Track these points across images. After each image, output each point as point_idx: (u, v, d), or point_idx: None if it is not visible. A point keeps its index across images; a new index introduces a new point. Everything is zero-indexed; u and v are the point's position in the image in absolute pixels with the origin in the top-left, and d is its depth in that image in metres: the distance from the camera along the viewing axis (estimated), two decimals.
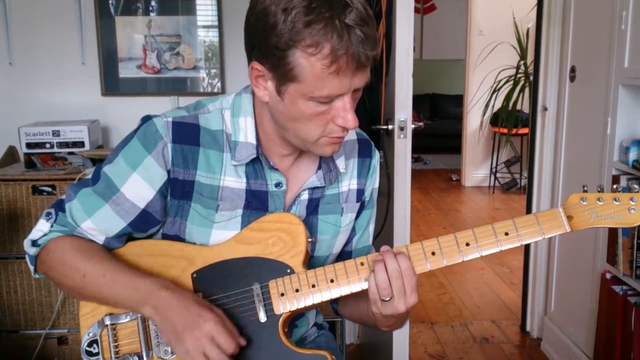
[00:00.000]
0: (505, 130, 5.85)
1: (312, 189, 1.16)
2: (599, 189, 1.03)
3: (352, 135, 1.23)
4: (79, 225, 1.10)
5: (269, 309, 1.08)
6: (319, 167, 1.16)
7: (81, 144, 2.54)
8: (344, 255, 1.25)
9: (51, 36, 2.81)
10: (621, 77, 2.17)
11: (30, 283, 2.46)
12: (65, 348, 2.53)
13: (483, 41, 6.06)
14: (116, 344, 1.12)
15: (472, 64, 6.29)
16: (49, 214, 1.13)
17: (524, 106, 5.52)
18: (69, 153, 2.53)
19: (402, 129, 2.25)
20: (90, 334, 1.12)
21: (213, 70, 2.90)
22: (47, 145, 2.52)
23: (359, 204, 1.23)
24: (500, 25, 6.02)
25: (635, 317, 2.07)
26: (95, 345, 1.12)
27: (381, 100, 2.37)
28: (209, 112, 1.12)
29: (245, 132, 1.10)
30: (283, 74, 0.97)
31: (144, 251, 1.14)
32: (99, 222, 1.10)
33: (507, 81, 5.63)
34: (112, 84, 2.86)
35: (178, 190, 1.09)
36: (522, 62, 5.64)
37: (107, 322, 1.11)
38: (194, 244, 1.12)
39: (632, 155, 2.12)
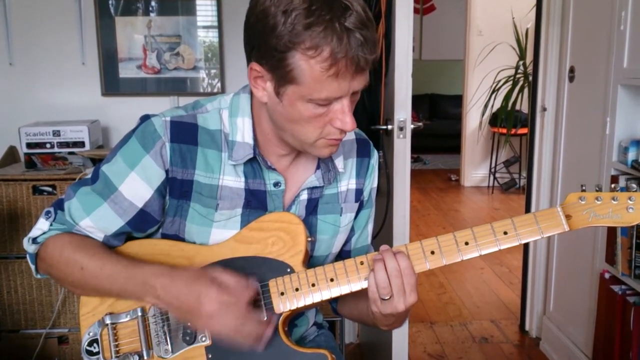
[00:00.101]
0: (504, 131, 5.86)
1: (311, 189, 1.16)
2: (597, 189, 1.04)
3: (350, 135, 1.23)
4: (78, 223, 1.11)
5: (268, 308, 1.08)
6: (318, 167, 1.17)
7: (81, 144, 2.54)
8: (343, 254, 1.26)
9: (51, 36, 2.81)
10: (620, 77, 2.18)
11: (30, 283, 2.47)
12: (66, 348, 2.54)
13: (482, 41, 6.07)
14: (116, 343, 1.12)
15: (472, 64, 6.30)
16: (48, 212, 1.13)
17: (523, 106, 5.53)
18: (69, 153, 2.54)
19: (401, 129, 2.25)
20: (91, 334, 1.13)
21: (213, 71, 2.90)
22: (48, 145, 2.52)
23: (357, 204, 1.24)
24: (499, 26, 6.03)
25: (634, 317, 2.08)
26: (95, 345, 1.12)
27: (380, 100, 2.37)
28: (207, 112, 1.12)
29: (243, 132, 1.10)
30: (282, 76, 0.97)
31: (144, 251, 1.14)
32: (97, 220, 1.10)
33: (506, 81, 5.64)
34: (112, 84, 2.87)
35: (177, 190, 1.10)
36: (521, 63, 5.64)
37: (108, 321, 1.12)
38: (194, 243, 1.12)
39: (631, 155, 2.13)
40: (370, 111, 2.39)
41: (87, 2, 2.79)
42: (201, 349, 1.09)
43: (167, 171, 1.08)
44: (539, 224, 1.03)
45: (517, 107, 5.61)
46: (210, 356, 1.09)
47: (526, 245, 3.09)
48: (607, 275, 2.25)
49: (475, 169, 6.70)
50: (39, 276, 1.17)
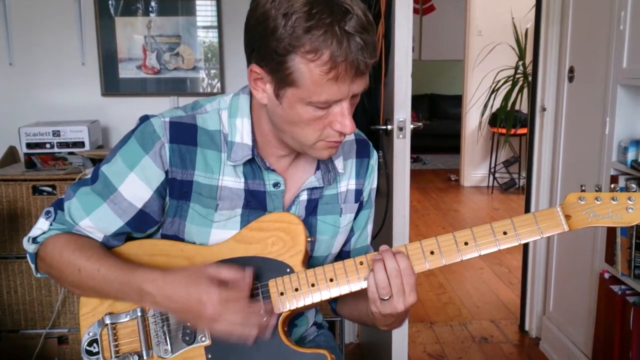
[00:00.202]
0: (504, 131, 5.86)
1: (311, 190, 1.16)
2: (597, 189, 1.04)
3: (350, 136, 1.23)
4: (77, 223, 1.11)
5: (268, 308, 1.08)
6: (318, 168, 1.17)
7: (81, 144, 2.54)
8: (343, 255, 1.26)
9: (51, 37, 2.82)
10: (620, 77, 2.18)
11: (30, 283, 2.47)
12: (66, 348, 2.54)
13: (482, 42, 6.07)
14: (116, 343, 1.12)
15: (471, 64, 6.30)
16: (48, 212, 1.13)
17: (523, 106, 5.53)
18: (69, 153, 2.54)
19: (401, 129, 2.26)
20: (90, 334, 1.13)
21: (213, 71, 2.90)
22: (47, 146, 2.52)
23: (357, 204, 1.24)
24: (499, 26, 6.03)
25: (633, 317, 2.08)
26: (95, 345, 1.13)
27: (380, 100, 2.37)
28: (207, 112, 1.12)
29: (242, 132, 1.10)
30: (282, 79, 0.97)
31: (144, 251, 1.14)
32: (97, 220, 1.10)
33: (506, 81, 5.64)
34: (112, 84, 2.87)
35: (176, 190, 1.10)
36: (520, 63, 5.64)
37: (107, 321, 1.12)
38: (194, 243, 1.13)
39: (631, 155, 2.13)
40: (370, 111, 2.39)
41: (87, 3, 2.80)
42: (201, 349, 1.09)
43: (166, 172, 1.08)
44: (539, 224, 1.03)
45: (517, 107, 5.62)
46: (209, 356, 1.09)
47: (526, 246, 3.09)
48: (606, 275, 2.25)
49: (474, 169, 6.70)
50: (38, 275, 1.18)
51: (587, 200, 1.03)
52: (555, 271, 2.85)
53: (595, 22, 2.43)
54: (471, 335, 3.13)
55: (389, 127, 2.30)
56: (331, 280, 1.07)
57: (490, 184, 6.43)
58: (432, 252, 1.05)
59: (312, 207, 1.17)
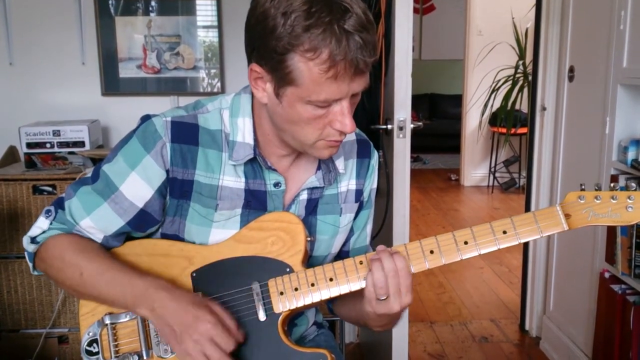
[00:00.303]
0: (504, 130, 5.86)
1: (311, 189, 1.16)
2: (597, 188, 1.04)
3: (351, 136, 1.23)
4: (78, 223, 1.11)
5: (268, 308, 1.08)
6: (319, 168, 1.17)
7: (81, 144, 2.54)
8: (342, 254, 1.26)
9: (51, 36, 2.82)
10: (620, 77, 2.18)
11: (30, 282, 2.47)
12: (66, 347, 2.54)
13: (482, 41, 6.07)
14: (116, 343, 1.12)
15: (471, 64, 6.30)
16: (48, 211, 1.13)
17: (523, 106, 5.53)
18: (69, 153, 2.54)
19: (401, 128, 2.26)
20: (90, 334, 1.13)
21: (213, 71, 2.90)
22: (48, 145, 2.52)
23: (357, 204, 1.24)
24: (499, 26, 6.03)
25: (634, 316, 2.08)
26: (95, 345, 1.12)
27: (380, 100, 2.38)
28: (208, 112, 1.12)
29: (243, 132, 1.10)
30: (281, 77, 0.97)
31: (143, 250, 1.14)
32: (97, 220, 1.10)
33: (506, 81, 5.64)
34: (112, 84, 2.87)
35: (177, 190, 1.10)
36: (520, 62, 5.64)
37: (107, 321, 1.12)
38: (193, 243, 1.13)
39: (631, 155, 2.13)
40: (370, 111, 2.39)
41: (87, 2, 2.80)
42: None
43: (167, 171, 1.08)
44: (538, 223, 1.03)
45: (517, 106, 5.62)
46: None
47: (526, 245, 3.09)
48: (607, 275, 2.25)
49: (475, 169, 6.70)
50: (35, 273, 1.17)
51: (586, 199, 1.03)
52: (556, 270, 2.85)
53: (595, 21, 2.43)
54: (471, 334, 3.13)
55: (389, 126, 2.30)
56: (331, 279, 1.07)
57: (491, 184, 6.43)
58: (431, 252, 1.05)
59: (312, 207, 1.17)
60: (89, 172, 1.16)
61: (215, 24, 2.87)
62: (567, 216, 1.03)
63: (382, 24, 2.27)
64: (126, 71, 2.86)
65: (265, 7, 0.95)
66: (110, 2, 2.80)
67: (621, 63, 2.16)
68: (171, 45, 2.86)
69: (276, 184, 1.13)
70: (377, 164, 1.27)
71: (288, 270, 1.09)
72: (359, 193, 1.23)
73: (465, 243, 1.04)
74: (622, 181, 2.16)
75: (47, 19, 2.80)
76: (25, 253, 1.16)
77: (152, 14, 2.83)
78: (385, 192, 2.33)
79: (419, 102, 8.29)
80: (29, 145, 2.51)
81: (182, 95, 2.89)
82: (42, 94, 2.85)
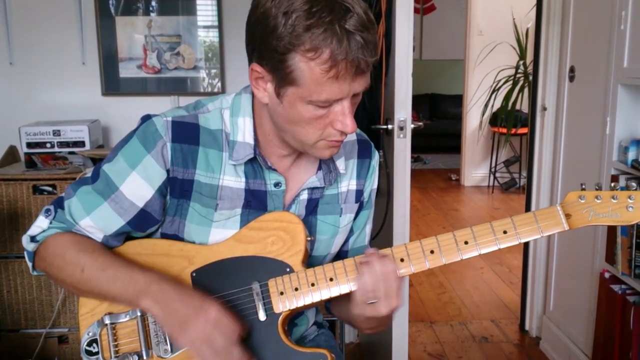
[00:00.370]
0: (504, 130, 5.86)
1: (312, 189, 1.16)
2: (597, 187, 1.04)
3: (351, 136, 1.23)
4: (78, 222, 1.11)
5: (268, 308, 1.08)
6: (319, 168, 1.16)
7: (81, 144, 2.54)
8: (341, 254, 1.26)
9: (51, 36, 2.82)
10: (620, 77, 2.18)
11: (30, 282, 2.47)
12: (66, 347, 2.54)
13: (482, 41, 6.07)
14: (116, 343, 1.12)
15: (472, 64, 6.30)
16: (48, 210, 1.13)
17: (523, 106, 5.53)
18: (70, 153, 2.54)
19: (401, 128, 2.26)
20: (90, 334, 1.13)
21: (213, 70, 2.90)
22: (48, 145, 2.52)
23: (357, 205, 1.24)
24: (499, 25, 6.03)
25: (634, 316, 2.08)
26: (94, 345, 1.12)
27: (381, 100, 2.38)
28: (209, 112, 1.12)
29: (244, 132, 1.10)
30: (282, 77, 0.97)
31: (143, 250, 1.14)
32: (97, 220, 1.10)
33: (507, 81, 5.64)
34: (112, 84, 2.87)
35: (177, 190, 1.10)
36: (521, 62, 5.64)
37: (107, 321, 1.12)
38: (193, 243, 1.12)
39: (631, 155, 2.13)
40: (371, 111, 2.39)
41: (88, 2, 2.80)
42: None
43: (168, 171, 1.08)
44: (539, 223, 1.03)
45: (517, 106, 5.62)
46: None
47: (526, 245, 3.09)
48: (607, 275, 2.25)
49: (475, 169, 6.70)
50: (35, 273, 1.17)
51: (587, 199, 1.03)
52: (556, 271, 2.85)
53: (596, 21, 2.42)
54: (471, 334, 3.13)
55: (390, 126, 2.30)
56: (331, 279, 1.07)
57: (491, 184, 6.43)
58: (432, 251, 1.05)
59: (312, 207, 1.17)
60: (89, 172, 1.16)
61: (216, 23, 2.87)
62: (567, 216, 1.03)
63: (383, 23, 2.27)
64: (126, 71, 2.86)
65: (267, 7, 0.95)
66: (110, 2, 2.80)
67: (622, 63, 2.16)
68: (171, 45, 2.86)
69: (276, 184, 1.13)
70: (378, 164, 1.27)
71: (288, 270, 1.09)
72: (359, 193, 1.23)
73: (466, 243, 1.04)
74: (622, 181, 2.16)
75: (48, 19, 2.80)
76: (25, 252, 1.15)
77: (152, 14, 2.83)
78: (385, 192, 2.33)
79: (419, 102, 8.29)
80: (29, 145, 2.51)
81: (182, 95, 2.89)
82: (43, 94, 2.85)
